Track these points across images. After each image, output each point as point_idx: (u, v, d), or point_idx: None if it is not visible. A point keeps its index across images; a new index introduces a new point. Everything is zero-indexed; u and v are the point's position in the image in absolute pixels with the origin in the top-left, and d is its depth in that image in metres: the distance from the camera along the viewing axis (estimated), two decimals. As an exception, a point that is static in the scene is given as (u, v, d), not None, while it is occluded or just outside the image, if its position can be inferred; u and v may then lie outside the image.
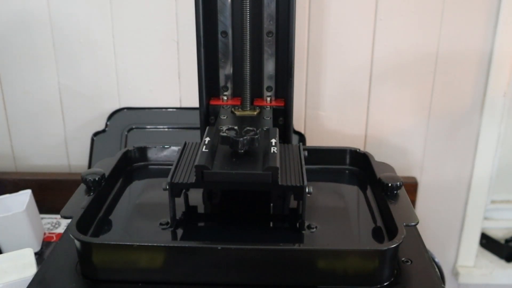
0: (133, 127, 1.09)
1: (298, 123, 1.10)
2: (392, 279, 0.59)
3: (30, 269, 0.74)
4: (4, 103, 1.11)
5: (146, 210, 0.71)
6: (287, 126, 0.81)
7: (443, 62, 1.06)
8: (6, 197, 0.93)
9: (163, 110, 1.10)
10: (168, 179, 0.63)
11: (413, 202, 1.14)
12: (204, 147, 0.64)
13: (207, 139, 0.66)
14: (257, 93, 0.82)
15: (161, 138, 1.08)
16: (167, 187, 0.63)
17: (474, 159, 1.13)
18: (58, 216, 0.91)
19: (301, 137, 1.09)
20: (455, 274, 1.23)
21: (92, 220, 0.67)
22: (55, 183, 1.10)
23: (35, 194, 0.95)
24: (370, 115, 1.10)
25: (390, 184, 0.68)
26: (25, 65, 1.08)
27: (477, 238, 1.21)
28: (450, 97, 1.09)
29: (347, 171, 0.82)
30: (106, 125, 1.10)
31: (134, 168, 0.82)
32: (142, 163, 0.83)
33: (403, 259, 0.62)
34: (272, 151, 0.63)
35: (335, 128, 1.11)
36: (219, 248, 0.56)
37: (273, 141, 0.66)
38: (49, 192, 1.08)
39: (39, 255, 0.91)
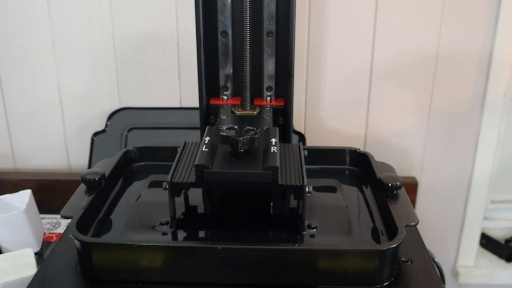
0: (133, 127, 1.09)
1: (298, 123, 1.10)
2: (392, 279, 0.59)
3: (30, 269, 0.74)
4: (4, 103, 1.11)
5: (146, 210, 0.71)
6: (287, 126, 0.81)
7: (443, 62, 1.06)
8: (6, 197, 0.93)
9: (163, 110, 1.10)
10: (168, 178, 0.63)
11: (413, 202, 1.14)
12: (204, 146, 0.64)
13: (207, 138, 0.66)
14: (257, 93, 0.82)
15: (161, 138, 1.07)
16: (167, 186, 0.63)
17: (474, 159, 1.14)
18: (58, 216, 0.91)
19: (301, 137, 1.09)
20: (455, 274, 1.23)
21: (92, 220, 0.67)
22: (55, 183, 1.10)
23: (35, 194, 0.95)
24: (370, 115, 1.10)
25: (390, 184, 0.68)
26: (25, 65, 1.08)
27: (477, 238, 1.21)
28: (450, 97, 1.09)
29: (347, 171, 0.82)
30: (106, 125, 1.10)
31: (134, 168, 0.82)
32: (142, 163, 0.83)
33: (403, 259, 0.62)
34: (272, 151, 0.63)
35: (335, 128, 1.11)
36: (219, 248, 0.56)
37: (273, 140, 0.66)
38: (49, 192, 1.08)
39: (39, 255, 0.91)
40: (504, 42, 1.03)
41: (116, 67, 1.08)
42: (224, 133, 0.64)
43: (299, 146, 0.72)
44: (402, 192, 0.69)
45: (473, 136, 1.12)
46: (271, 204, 0.71)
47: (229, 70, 0.82)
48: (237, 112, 0.80)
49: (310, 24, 1.04)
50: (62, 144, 1.14)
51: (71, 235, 0.58)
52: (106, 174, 0.71)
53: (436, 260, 0.84)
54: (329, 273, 0.57)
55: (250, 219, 0.69)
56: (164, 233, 0.65)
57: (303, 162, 0.67)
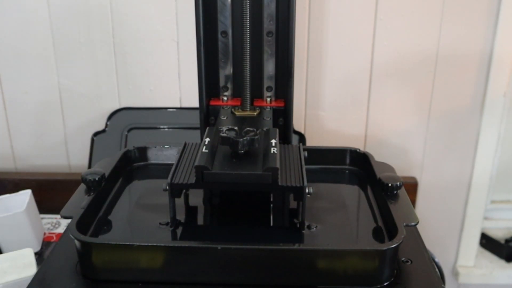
0: (133, 127, 1.09)
1: (298, 123, 1.10)
2: (392, 279, 0.59)
3: (30, 269, 0.75)
4: (4, 103, 1.11)
5: (146, 210, 0.71)
6: (287, 127, 0.81)
7: (443, 62, 1.06)
8: (6, 197, 0.93)
9: (163, 110, 1.10)
10: (168, 179, 0.63)
11: (413, 202, 1.14)
12: (204, 147, 0.64)
13: (207, 139, 0.66)
14: (257, 94, 0.82)
15: (161, 138, 1.08)
16: (167, 187, 0.63)
17: (474, 159, 1.14)
18: (58, 216, 0.91)
19: (301, 137, 1.09)
20: (455, 274, 1.23)
21: (92, 220, 0.67)
22: (55, 183, 1.10)
23: (35, 194, 0.95)
24: (370, 115, 1.10)
25: (390, 184, 0.68)
26: (25, 65, 1.08)
27: (477, 238, 1.21)
28: (450, 97, 1.09)
29: (347, 171, 0.82)
30: (106, 125, 1.10)
31: (134, 168, 0.82)
32: (142, 163, 0.83)
33: (403, 259, 0.62)
34: (272, 152, 0.63)
35: (335, 128, 1.11)
36: (219, 248, 0.56)
37: (273, 141, 0.66)
38: (49, 192, 1.08)
39: (39, 255, 0.91)
40: (504, 42, 1.03)
41: (116, 67, 1.08)
42: (224, 134, 0.64)
43: (299, 147, 0.72)
44: (402, 192, 0.69)
45: (473, 136, 1.12)
46: (271, 204, 0.71)
47: (229, 70, 0.82)
48: (237, 113, 0.80)
49: (310, 24, 1.04)
50: (62, 144, 1.14)
51: (71, 235, 0.58)
52: (106, 174, 0.71)
53: (436, 260, 0.84)
54: (329, 273, 0.57)
55: (250, 219, 0.69)
56: (164, 233, 0.65)
57: (303, 163, 0.67)
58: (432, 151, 1.13)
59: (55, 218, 1.04)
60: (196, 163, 0.61)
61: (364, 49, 1.05)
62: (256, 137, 0.64)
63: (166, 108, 1.10)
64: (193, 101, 1.07)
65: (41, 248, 0.94)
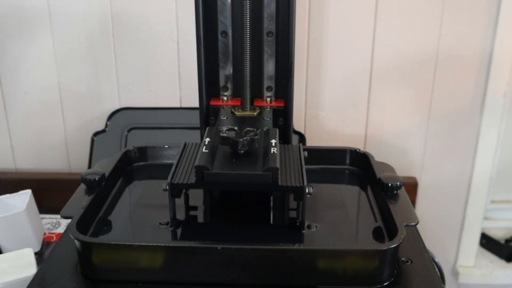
0: (133, 127, 1.09)
1: (298, 123, 1.10)
2: (392, 279, 0.59)
3: (30, 269, 0.74)
4: (4, 103, 1.11)
5: (146, 210, 0.71)
6: (287, 127, 0.81)
7: (443, 62, 1.06)
8: (6, 197, 0.93)
9: (163, 110, 1.10)
10: (168, 179, 0.63)
11: (413, 202, 1.14)
12: (204, 147, 0.64)
13: (207, 139, 0.66)
14: (257, 94, 0.82)
15: (161, 138, 1.08)
16: (167, 187, 0.63)
17: (474, 159, 1.14)
18: (58, 216, 0.91)
19: (301, 137, 1.09)
20: (455, 274, 1.23)
21: (92, 220, 0.67)
22: (55, 183, 1.10)
23: (35, 194, 0.95)
24: (370, 115, 1.10)
25: (390, 184, 0.68)
26: (25, 65, 1.08)
27: (477, 238, 1.21)
28: (450, 97, 1.09)
29: (347, 171, 0.82)
30: (106, 125, 1.10)
31: (134, 168, 0.82)
32: (142, 163, 0.83)
33: (403, 259, 0.62)
34: (272, 152, 0.63)
35: (335, 128, 1.11)
36: (219, 248, 0.56)
37: (273, 141, 0.66)
38: (49, 192, 1.08)
39: (39, 255, 0.91)
40: (504, 42, 1.03)
41: (116, 67, 1.08)
42: (224, 134, 0.64)
43: (299, 147, 0.72)
44: (402, 192, 0.69)
45: (473, 136, 1.12)
46: (271, 204, 0.71)
47: (229, 70, 0.82)
48: (237, 113, 0.80)
49: (310, 24, 1.04)
50: (62, 144, 1.14)
51: (71, 235, 0.58)
52: (106, 174, 0.71)
53: (436, 260, 0.84)
54: (329, 273, 0.57)
55: (250, 219, 0.69)
56: (164, 233, 0.65)
57: (303, 163, 0.67)
58: (432, 151, 1.13)
59: (55, 218, 1.04)
60: (196, 163, 0.61)
61: (364, 49, 1.05)
62: (256, 137, 0.64)
63: (166, 108, 1.10)
64: (193, 101, 1.07)
65: (41, 248, 0.94)
